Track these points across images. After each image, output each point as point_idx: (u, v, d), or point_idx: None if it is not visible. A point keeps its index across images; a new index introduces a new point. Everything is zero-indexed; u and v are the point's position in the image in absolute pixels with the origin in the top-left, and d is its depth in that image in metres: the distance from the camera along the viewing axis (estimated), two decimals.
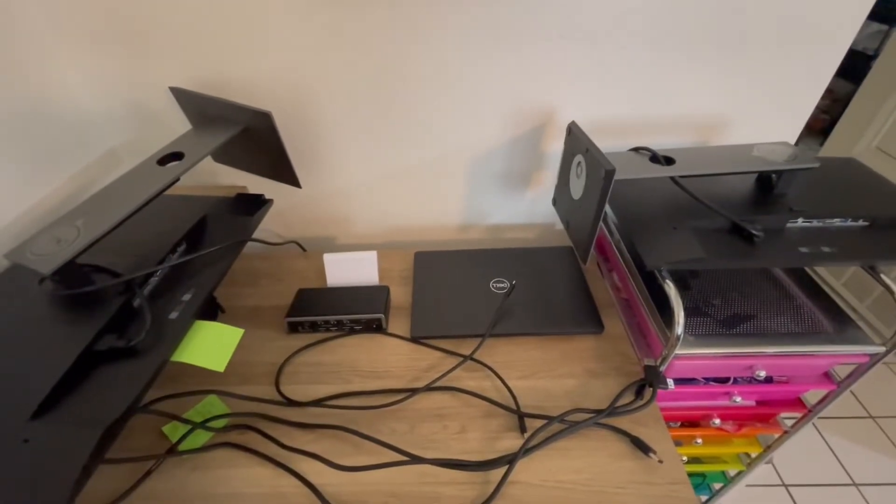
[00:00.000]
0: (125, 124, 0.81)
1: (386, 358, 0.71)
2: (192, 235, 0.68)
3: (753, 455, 0.89)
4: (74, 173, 0.75)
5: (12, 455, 0.40)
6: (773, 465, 1.32)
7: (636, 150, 0.72)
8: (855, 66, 1.60)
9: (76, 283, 0.54)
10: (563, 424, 0.59)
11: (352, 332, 0.74)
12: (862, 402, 1.48)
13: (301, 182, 0.76)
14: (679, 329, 0.59)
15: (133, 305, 0.56)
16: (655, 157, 0.69)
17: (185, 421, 0.59)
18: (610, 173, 0.57)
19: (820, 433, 1.40)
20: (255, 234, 0.72)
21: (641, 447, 0.57)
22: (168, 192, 0.61)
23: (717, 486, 1.01)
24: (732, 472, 0.95)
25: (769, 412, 0.77)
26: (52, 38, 0.70)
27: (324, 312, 0.73)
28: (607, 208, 0.74)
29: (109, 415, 0.43)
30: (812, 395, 0.75)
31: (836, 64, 0.75)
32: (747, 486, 1.07)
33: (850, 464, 1.32)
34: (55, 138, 0.72)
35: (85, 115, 0.77)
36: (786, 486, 1.28)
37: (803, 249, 0.62)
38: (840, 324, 0.67)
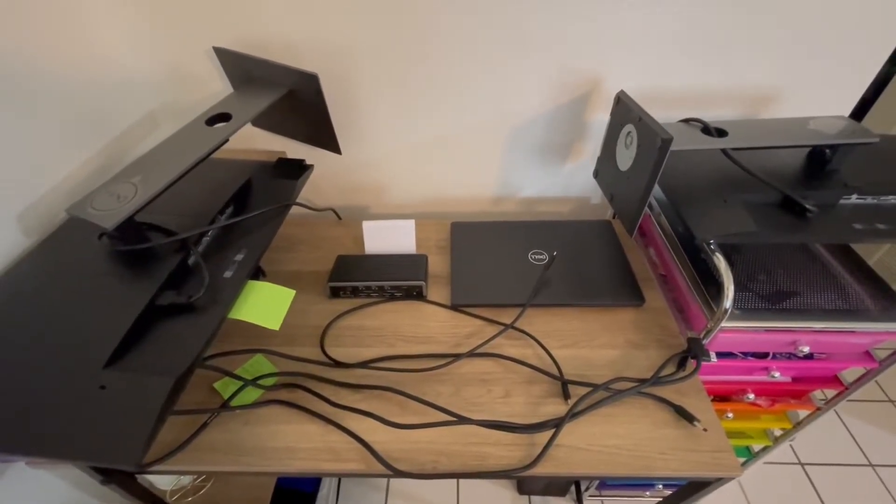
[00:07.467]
0: (164, 86, 0.81)
1: (427, 324, 0.71)
2: (239, 198, 0.68)
3: (778, 432, 0.90)
4: (117, 135, 0.75)
5: (91, 401, 0.42)
6: (791, 445, 1.34)
7: (686, 121, 0.71)
8: None
9: (134, 240, 0.55)
10: (608, 392, 0.60)
11: (392, 298, 0.75)
12: (882, 386, 1.49)
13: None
14: (728, 302, 0.58)
15: (188, 264, 0.57)
16: (707, 129, 0.68)
17: (238, 377, 0.60)
18: (667, 142, 0.56)
19: (838, 415, 1.41)
20: None
21: (685, 416, 0.58)
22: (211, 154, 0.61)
23: (739, 460, 1.02)
24: (756, 447, 0.96)
25: (804, 389, 0.77)
26: None
27: (365, 278, 0.73)
28: None
29: (179, 366, 0.45)
30: (848, 374, 0.75)
31: None
32: (765, 463, 1.09)
33: (867, 445, 1.33)
34: (96, 100, 0.71)
35: (125, 76, 0.76)
36: (802, 464, 1.30)
37: (857, 226, 0.61)
38: (885, 302, 0.67)
